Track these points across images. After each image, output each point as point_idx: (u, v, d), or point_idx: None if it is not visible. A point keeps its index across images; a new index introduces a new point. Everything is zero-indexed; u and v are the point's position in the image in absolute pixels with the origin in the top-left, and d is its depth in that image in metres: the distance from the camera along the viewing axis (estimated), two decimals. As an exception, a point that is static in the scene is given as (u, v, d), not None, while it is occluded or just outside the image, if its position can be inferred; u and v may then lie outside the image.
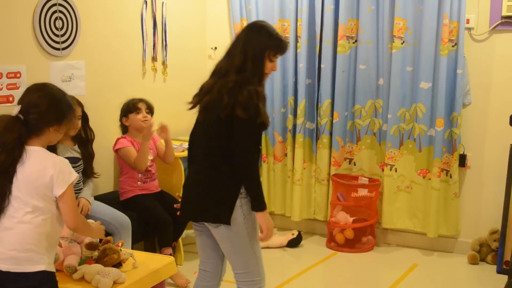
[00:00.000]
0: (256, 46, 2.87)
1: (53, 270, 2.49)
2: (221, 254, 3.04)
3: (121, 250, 2.94)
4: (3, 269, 2.39)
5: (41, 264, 2.41)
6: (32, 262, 2.40)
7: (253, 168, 2.82)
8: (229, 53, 2.91)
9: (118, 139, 4.32)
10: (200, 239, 3.06)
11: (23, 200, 2.41)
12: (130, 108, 4.32)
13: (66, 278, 2.80)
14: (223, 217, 2.83)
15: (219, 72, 2.90)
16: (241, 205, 2.83)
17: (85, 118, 3.97)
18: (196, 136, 3.00)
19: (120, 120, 4.37)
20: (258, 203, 2.83)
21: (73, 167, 3.77)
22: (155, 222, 4.18)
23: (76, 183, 3.88)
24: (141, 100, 4.36)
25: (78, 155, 3.92)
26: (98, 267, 2.77)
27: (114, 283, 2.74)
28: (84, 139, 3.99)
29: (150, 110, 4.37)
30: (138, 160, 4.20)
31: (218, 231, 2.87)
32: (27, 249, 2.39)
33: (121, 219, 3.95)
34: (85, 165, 3.96)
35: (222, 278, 3.15)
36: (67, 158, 3.74)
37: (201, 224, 2.98)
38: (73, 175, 2.47)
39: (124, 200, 4.30)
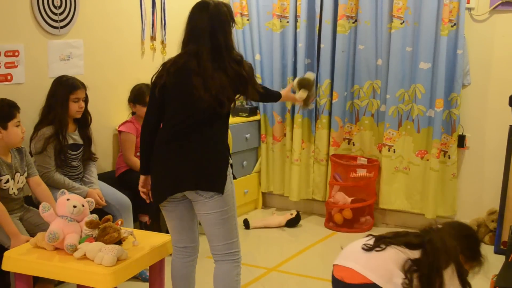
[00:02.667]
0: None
1: None
2: (196, 227, 3.06)
3: (120, 228, 2.95)
4: None
5: None
6: None
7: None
8: None
9: (126, 121, 4.33)
10: (174, 214, 2.98)
11: None
12: (138, 98, 4.32)
13: (67, 256, 2.81)
14: (219, 186, 2.84)
15: None
16: (229, 173, 2.88)
17: (87, 100, 3.92)
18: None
19: (128, 102, 4.37)
20: None
21: (74, 154, 3.81)
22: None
23: (76, 167, 3.87)
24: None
25: (79, 141, 3.87)
26: (99, 245, 2.78)
27: (117, 259, 2.75)
28: (84, 123, 3.94)
29: None
30: (133, 164, 4.22)
31: (210, 201, 2.85)
32: None
33: (122, 200, 3.94)
34: (85, 148, 3.92)
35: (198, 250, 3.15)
36: (68, 145, 3.76)
37: (182, 198, 2.91)
38: None
39: (118, 175, 4.32)
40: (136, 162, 4.24)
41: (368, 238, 2.56)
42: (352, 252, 2.54)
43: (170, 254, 3.13)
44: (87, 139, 3.93)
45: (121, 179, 4.28)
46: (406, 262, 2.41)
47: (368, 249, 2.48)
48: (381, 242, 2.50)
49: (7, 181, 3.30)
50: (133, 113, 4.43)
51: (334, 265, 2.56)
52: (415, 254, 2.45)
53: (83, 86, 3.82)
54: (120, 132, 4.32)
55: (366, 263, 2.44)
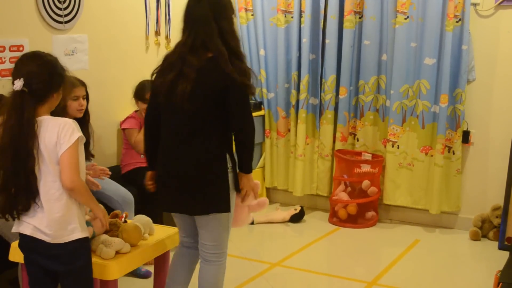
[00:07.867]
0: None
1: None
2: None
3: (125, 221, 2.97)
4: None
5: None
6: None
7: None
8: None
9: (128, 117, 4.30)
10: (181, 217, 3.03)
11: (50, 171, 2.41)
12: (140, 95, 4.29)
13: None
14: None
15: None
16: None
17: (88, 98, 3.83)
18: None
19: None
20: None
21: None
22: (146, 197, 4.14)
23: None
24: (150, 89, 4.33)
25: None
26: (102, 236, 2.80)
27: (117, 252, 2.77)
28: (84, 121, 3.84)
29: None
30: (138, 143, 4.19)
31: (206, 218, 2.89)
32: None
33: (125, 195, 3.94)
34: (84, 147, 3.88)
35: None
36: None
37: None
38: (75, 135, 2.43)
39: (125, 173, 4.31)
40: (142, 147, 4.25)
41: None
42: None
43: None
44: (87, 137, 3.86)
45: (127, 177, 4.27)
46: None
47: None
48: None
49: None
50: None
51: None
52: None
53: (81, 83, 3.72)
54: (124, 129, 4.30)
55: None
